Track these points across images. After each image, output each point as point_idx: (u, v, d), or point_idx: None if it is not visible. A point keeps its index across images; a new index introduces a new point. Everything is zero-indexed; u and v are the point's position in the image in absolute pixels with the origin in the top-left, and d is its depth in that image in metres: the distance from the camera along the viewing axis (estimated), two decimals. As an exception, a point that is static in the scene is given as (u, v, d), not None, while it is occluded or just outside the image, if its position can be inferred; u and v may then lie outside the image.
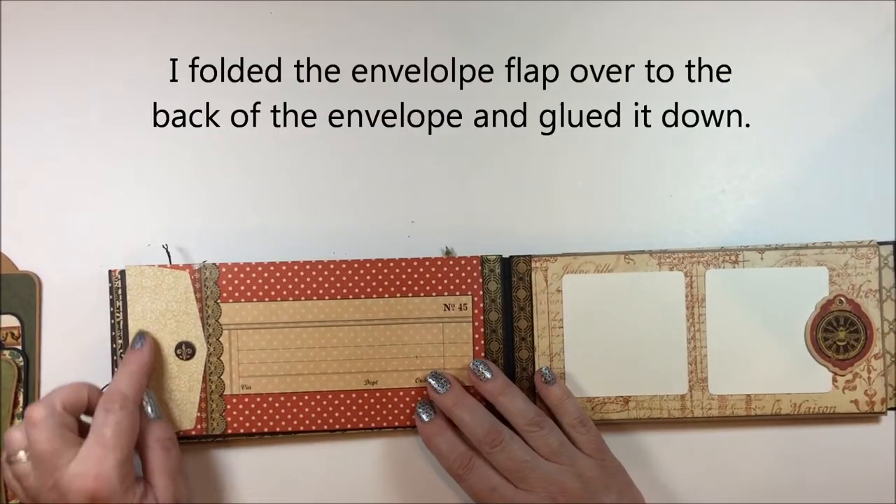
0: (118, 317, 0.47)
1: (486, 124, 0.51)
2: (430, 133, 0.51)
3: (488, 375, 0.46)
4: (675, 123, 0.51)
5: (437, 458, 0.45)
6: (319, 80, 0.51)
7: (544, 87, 0.51)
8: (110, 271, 0.47)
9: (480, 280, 0.48)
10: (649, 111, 0.51)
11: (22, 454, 0.41)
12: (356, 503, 0.48)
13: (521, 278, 0.48)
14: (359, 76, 0.51)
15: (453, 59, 0.51)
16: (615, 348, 0.48)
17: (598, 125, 0.51)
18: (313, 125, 0.50)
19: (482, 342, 0.48)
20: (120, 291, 0.47)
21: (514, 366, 0.48)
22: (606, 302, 0.48)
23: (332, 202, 0.50)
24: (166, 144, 0.50)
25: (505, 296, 0.48)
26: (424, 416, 0.46)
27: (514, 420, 0.45)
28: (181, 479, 0.43)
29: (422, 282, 0.48)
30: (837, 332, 0.48)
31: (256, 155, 0.50)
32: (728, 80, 0.51)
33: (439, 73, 0.51)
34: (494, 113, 0.51)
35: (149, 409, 0.44)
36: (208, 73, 0.50)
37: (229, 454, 0.48)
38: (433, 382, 0.46)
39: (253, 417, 0.47)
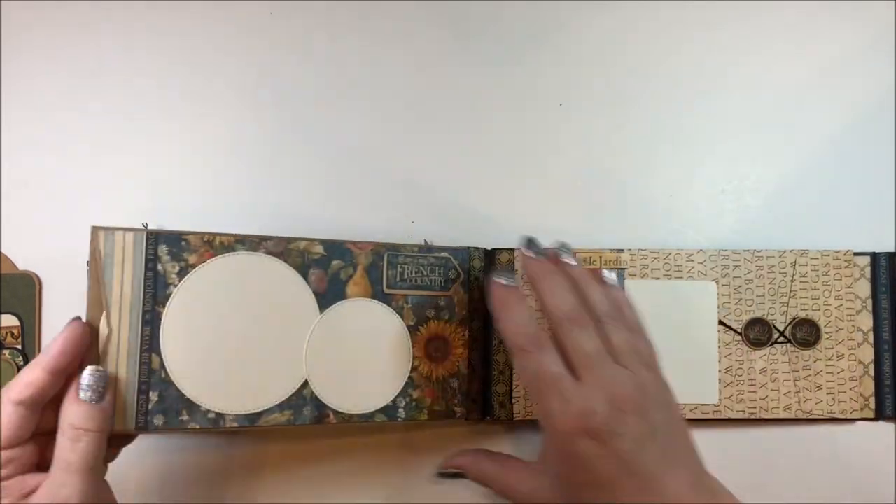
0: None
1: (486, 124, 0.51)
2: (430, 133, 0.51)
3: (573, 263, 0.43)
4: (676, 124, 0.51)
5: (505, 329, 0.41)
6: (319, 79, 0.51)
7: (544, 87, 0.51)
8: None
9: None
10: (650, 111, 0.51)
11: None
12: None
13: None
14: (358, 76, 0.51)
15: (453, 59, 0.51)
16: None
17: (599, 125, 0.51)
18: (313, 125, 0.50)
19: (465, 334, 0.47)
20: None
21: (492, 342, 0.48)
22: None
23: (332, 202, 0.50)
24: (168, 144, 0.50)
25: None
26: (503, 281, 0.42)
27: (594, 307, 0.42)
28: None
29: None
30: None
31: (257, 156, 0.50)
32: (728, 81, 0.51)
33: (439, 72, 0.51)
34: (495, 113, 0.51)
35: None
36: (209, 73, 0.50)
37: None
38: (526, 249, 0.43)
39: None
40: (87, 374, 0.38)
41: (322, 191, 0.50)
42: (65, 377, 0.38)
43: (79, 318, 0.39)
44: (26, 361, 0.47)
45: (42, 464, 0.38)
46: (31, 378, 0.37)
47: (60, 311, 0.48)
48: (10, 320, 0.48)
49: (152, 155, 0.50)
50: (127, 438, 0.42)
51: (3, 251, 0.48)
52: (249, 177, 0.50)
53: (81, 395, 0.38)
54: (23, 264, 0.48)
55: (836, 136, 0.51)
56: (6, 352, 0.47)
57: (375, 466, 0.48)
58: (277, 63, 0.51)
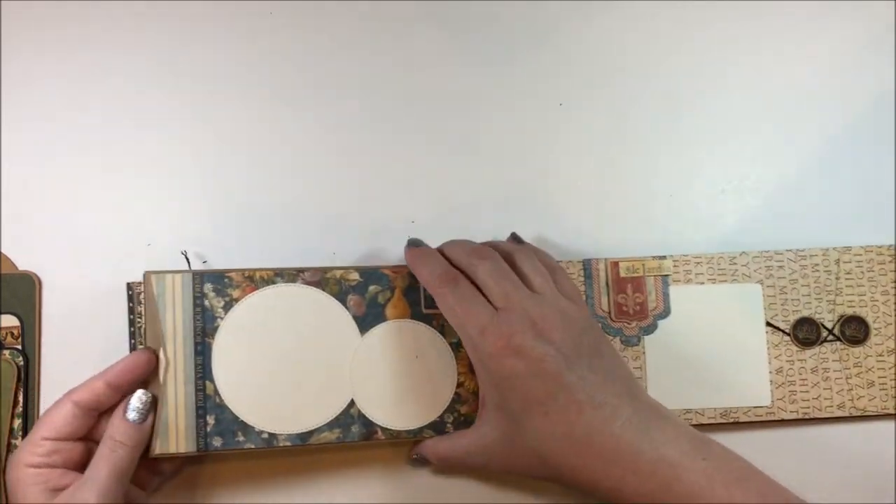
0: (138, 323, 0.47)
1: (486, 125, 0.51)
2: (430, 133, 0.51)
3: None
4: (675, 124, 0.51)
5: (421, 276, 0.44)
6: (319, 80, 0.51)
7: (544, 88, 0.51)
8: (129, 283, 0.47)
9: None
10: (650, 111, 0.51)
11: None
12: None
13: None
14: (358, 76, 0.51)
15: (453, 58, 0.51)
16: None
17: (599, 125, 0.51)
18: (314, 125, 0.50)
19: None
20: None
21: None
22: None
23: (331, 200, 0.50)
24: (167, 144, 0.50)
25: None
26: (412, 245, 0.45)
27: (500, 248, 0.45)
28: None
29: None
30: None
31: (256, 156, 0.50)
32: (728, 81, 0.51)
33: (439, 72, 0.51)
34: (495, 113, 0.51)
35: None
36: (208, 73, 0.50)
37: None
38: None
39: None
40: (136, 397, 0.42)
41: (321, 189, 0.50)
42: (121, 393, 0.42)
43: (149, 348, 0.43)
44: (26, 361, 0.48)
45: None
46: (92, 385, 0.42)
47: (60, 311, 0.48)
48: (10, 320, 0.48)
49: (151, 154, 0.50)
50: (172, 470, 0.46)
51: (3, 251, 0.48)
52: (248, 175, 0.50)
53: (128, 414, 0.41)
54: (23, 264, 0.48)
55: (836, 135, 0.51)
56: (6, 352, 0.47)
57: (376, 466, 0.48)
58: (277, 63, 0.51)
